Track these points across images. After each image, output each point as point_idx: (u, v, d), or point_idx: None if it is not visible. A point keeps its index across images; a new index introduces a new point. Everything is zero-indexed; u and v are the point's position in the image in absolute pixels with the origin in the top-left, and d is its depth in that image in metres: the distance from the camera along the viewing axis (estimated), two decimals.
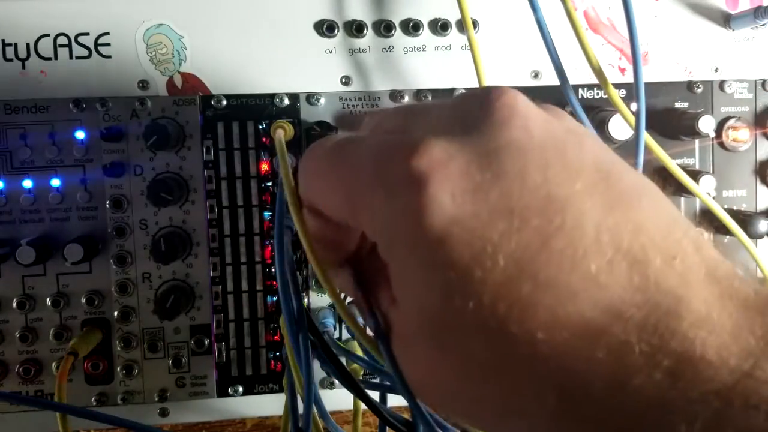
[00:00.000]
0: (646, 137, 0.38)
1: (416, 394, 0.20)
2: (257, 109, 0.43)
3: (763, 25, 0.46)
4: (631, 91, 0.43)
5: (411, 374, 0.19)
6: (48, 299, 0.42)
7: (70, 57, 0.42)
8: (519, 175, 0.17)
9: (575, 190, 0.17)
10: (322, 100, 0.44)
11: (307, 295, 0.45)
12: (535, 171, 0.17)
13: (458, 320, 0.17)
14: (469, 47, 0.41)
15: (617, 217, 0.17)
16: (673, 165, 0.39)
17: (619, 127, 0.42)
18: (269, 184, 0.44)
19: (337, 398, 0.44)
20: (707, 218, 0.47)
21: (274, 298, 0.45)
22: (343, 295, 0.25)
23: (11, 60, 0.42)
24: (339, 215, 0.21)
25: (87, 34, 0.42)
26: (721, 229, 0.47)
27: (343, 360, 0.35)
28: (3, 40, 0.42)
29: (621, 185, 0.18)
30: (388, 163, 0.18)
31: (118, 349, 0.43)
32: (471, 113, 0.19)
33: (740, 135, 0.46)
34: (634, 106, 0.45)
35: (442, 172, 0.17)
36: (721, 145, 0.47)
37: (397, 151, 0.18)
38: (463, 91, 0.45)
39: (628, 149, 0.39)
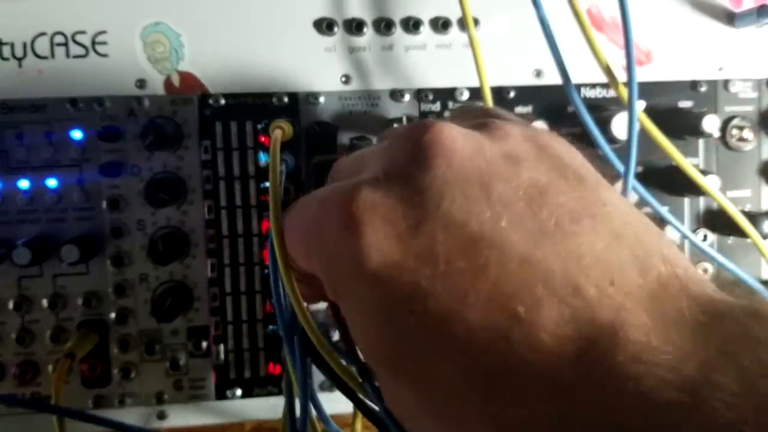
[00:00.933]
0: (659, 136, 0.37)
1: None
2: (256, 108, 0.43)
3: (767, 23, 0.45)
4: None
5: (389, 407, 0.19)
6: (44, 300, 0.42)
7: (67, 56, 0.42)
8: (442, 217, 0.17)
9: (500, 226, 0.16)
10: (322, 99, 0.43)
11: None
12: (458, 211, 0.17)
13: (403, 359, 0.17)
14: (470, 45, 0.40)
15: (546, 249, 0.16)
16: (685, 163, 0.38)
17: (622, 127, 0.42)
18: (267, 184, 0.43)
19: (338, 401, 0.44)
20: (709, 219, 0.47)
21: None
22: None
23: (7, 59, 0.41)
24: (304, 266, 0.22)
25: (84, 32, 0.42)
26: (724, 229, 0.46)
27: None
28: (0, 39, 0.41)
29: (556, 210, 0.17)
30: (325, 214, 0.19)
31: (115, 351, 0.43)
32: (399, 156, 0.19)
33: (745, 134, 0.46)
34: (640, 104, 0.45)
35: (368, 221, 0.17)
36: (726, 144, 0.46)
37: (331, 202, 0.19)
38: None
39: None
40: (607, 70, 0.36)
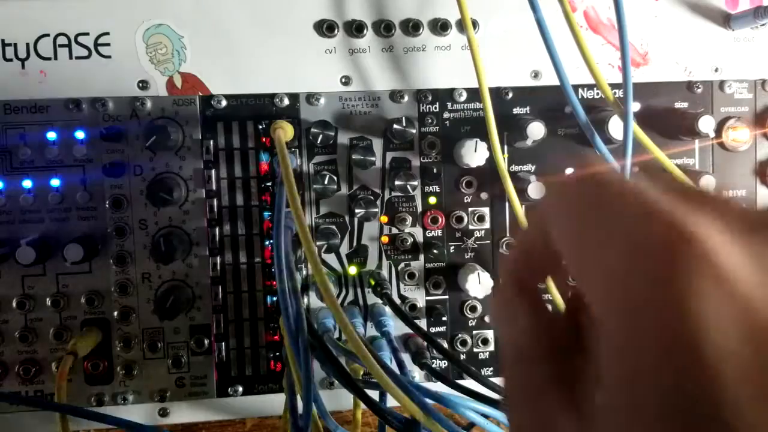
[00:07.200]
0: (645, 138, 0.38)
1: None
2: (257, 109, 0.43)
3: (762, 25, 0.46)
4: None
5: None
6: (48, 299, 0.43)
7: (70, 57, 0.42)
8: None
9: None
10: (322, 100, 0.44)
11: (307, 295, 0.45)
12: None
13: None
14: (468, 47, 0.41)
15: None
16: (671, 165, 0.39)
17: (619, 127, 0.42)
18: (269, 184, 0.44)
19: (337, 398, 0.44)
20: None
21: (274, 298, 0.45)
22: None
23: (11, 60, 0.42)
24: (575, 263, 0.17)
25: (87, 34, 0.42)
26: None
27: (342, 360, 0.35)
28: (3, 40, 0.42)
29: None
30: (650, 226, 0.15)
31: (118, 349, 0.43)
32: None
33: (740, 135, 0.46)
34: (635, 106, 0.45)
35: (711, 261, 0.14)
36: (721, 145, 0.47)
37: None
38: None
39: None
40: (600, 82, 0.36)
